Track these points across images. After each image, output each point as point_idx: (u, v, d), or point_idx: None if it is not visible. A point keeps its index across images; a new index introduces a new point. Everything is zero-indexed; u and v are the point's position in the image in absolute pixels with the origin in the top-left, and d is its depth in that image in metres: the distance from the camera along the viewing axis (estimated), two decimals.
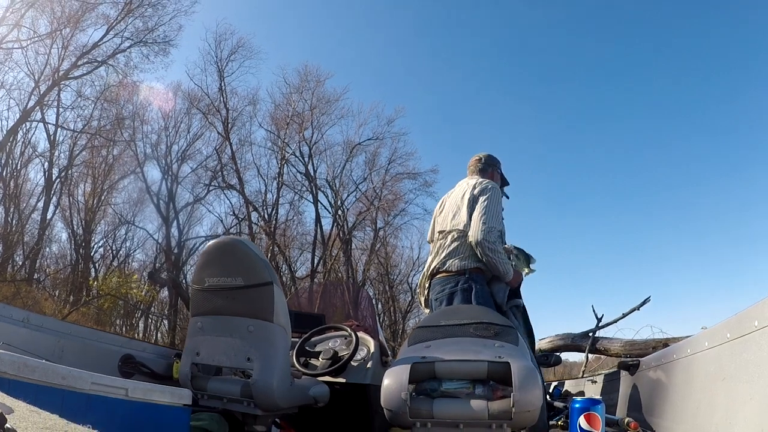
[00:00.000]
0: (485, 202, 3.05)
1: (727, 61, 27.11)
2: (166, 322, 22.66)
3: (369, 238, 25.67)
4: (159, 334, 23.21)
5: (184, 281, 21.25)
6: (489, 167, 3.40)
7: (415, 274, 26.68)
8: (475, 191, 3.14)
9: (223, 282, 2.43)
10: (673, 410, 2.27)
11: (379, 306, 26.04)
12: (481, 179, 3.27)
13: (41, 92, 18.15)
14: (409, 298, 26.88)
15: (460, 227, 3.10)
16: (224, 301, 2.44)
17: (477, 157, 3.47)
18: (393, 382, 1.85)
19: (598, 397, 1.86)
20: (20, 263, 18.45)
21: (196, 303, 2.56)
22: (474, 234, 2.98)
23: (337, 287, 4.88)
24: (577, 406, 1.76)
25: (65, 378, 1.66)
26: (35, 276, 18.86)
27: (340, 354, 2.96)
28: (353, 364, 2.95)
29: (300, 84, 24.03)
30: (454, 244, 3.09)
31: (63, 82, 18.78)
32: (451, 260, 3.06)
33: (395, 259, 27.81)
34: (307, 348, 3.08)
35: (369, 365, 2.95)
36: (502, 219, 3.13)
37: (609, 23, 29.72)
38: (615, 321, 6.69)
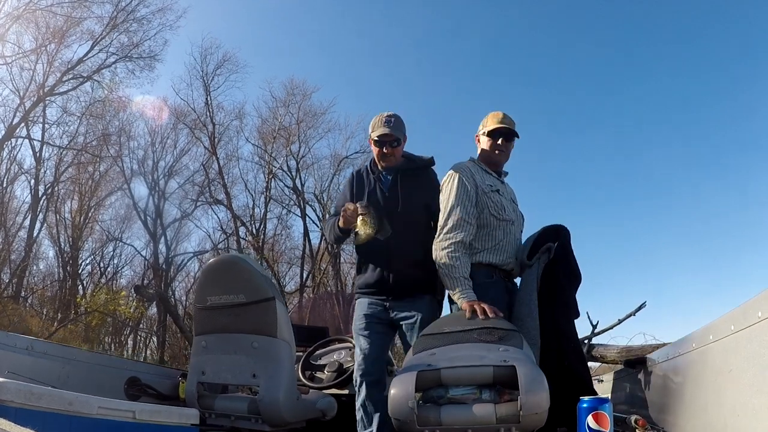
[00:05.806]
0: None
1: (723, 60, 27.29)
2: (154, 338, 22.43)
3: None
4: (148, 351, 22.96)
5: (172, 297, 21.03)
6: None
7: None
8: None
9: (226, 299, 2.43)
10: (680, 406, 2.27)
11: None
12: None
13: (26, 108, 18.05)
14: None
15: None
16: (227, 318, 2.43)
17: None
18: (399, 391, 1.85)
19: (605, 396, 1.86)
20: (7, 281, 18.18)
21: (200, 322, 2.55)
22: None
23: (327, 300, 4.84)
24: (584, 405, 1.75)
25: (72, 404, 1.64)
26: (22, 294, 18.59)
27: (345, 366, 2.95)
28: None
29: (286, 98, 23.98)
30: None
31: (48, 98, 18.71)
32: None
33: None
34: (312, 361, 3.07)
35: None
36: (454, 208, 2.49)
37: (600, 28, 30.02)
38: (611, 327, 6.64)
